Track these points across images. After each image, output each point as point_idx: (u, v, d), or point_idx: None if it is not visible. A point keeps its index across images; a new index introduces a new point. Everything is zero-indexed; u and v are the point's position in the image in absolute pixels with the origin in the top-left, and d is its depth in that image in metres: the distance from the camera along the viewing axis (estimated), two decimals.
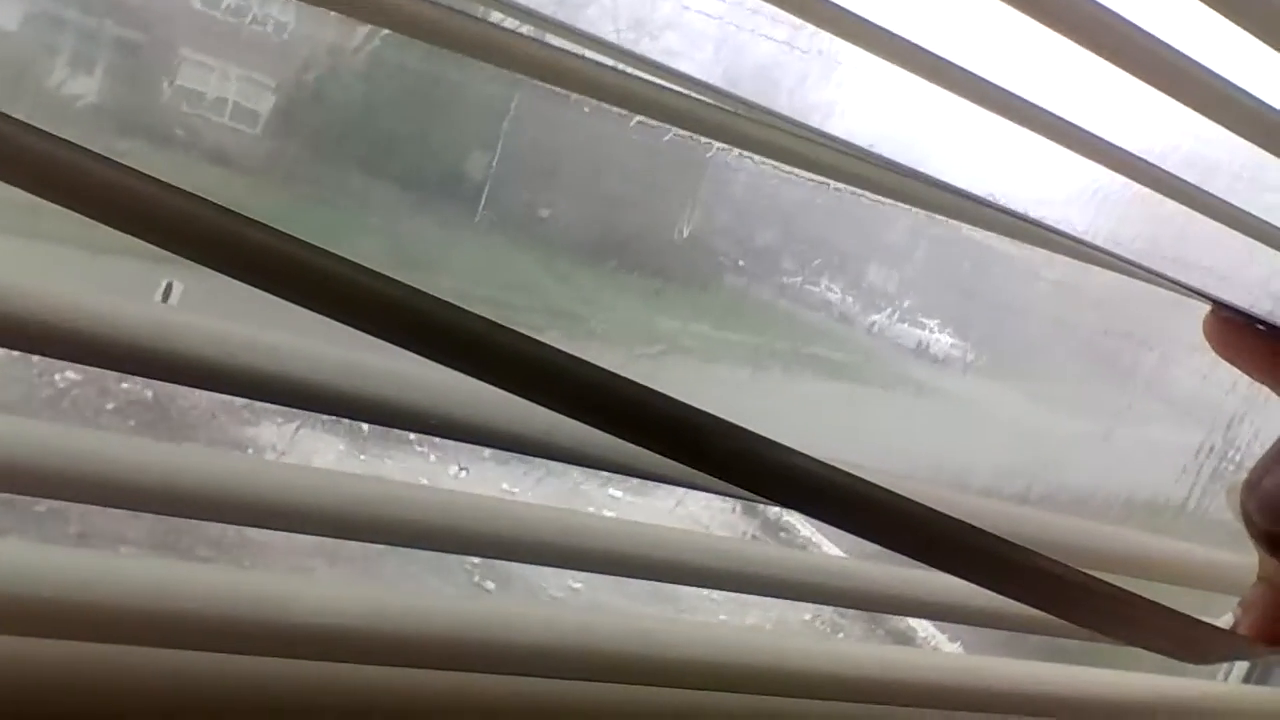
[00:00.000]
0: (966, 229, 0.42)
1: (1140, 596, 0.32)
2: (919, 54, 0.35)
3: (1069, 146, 0.38)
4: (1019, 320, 0.97)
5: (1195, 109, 0.39)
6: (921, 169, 0.39)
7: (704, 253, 0.84)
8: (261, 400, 0.29)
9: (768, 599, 0.41)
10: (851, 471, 0.30)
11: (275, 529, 0.31)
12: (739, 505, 1.01)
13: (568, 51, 0.30)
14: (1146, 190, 0.42)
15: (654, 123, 0.61)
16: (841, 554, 1.05)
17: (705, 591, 0.84)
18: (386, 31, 0.67)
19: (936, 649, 1.04)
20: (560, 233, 0.84)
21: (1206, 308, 0.40)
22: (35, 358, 0.75)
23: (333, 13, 0.31)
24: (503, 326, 0.26)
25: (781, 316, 0.89)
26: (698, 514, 1.00)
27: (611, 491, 0.92)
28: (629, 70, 0.31)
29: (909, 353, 0.88)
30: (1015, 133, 0.39)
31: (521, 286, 0.83)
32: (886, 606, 0.42)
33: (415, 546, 0.33)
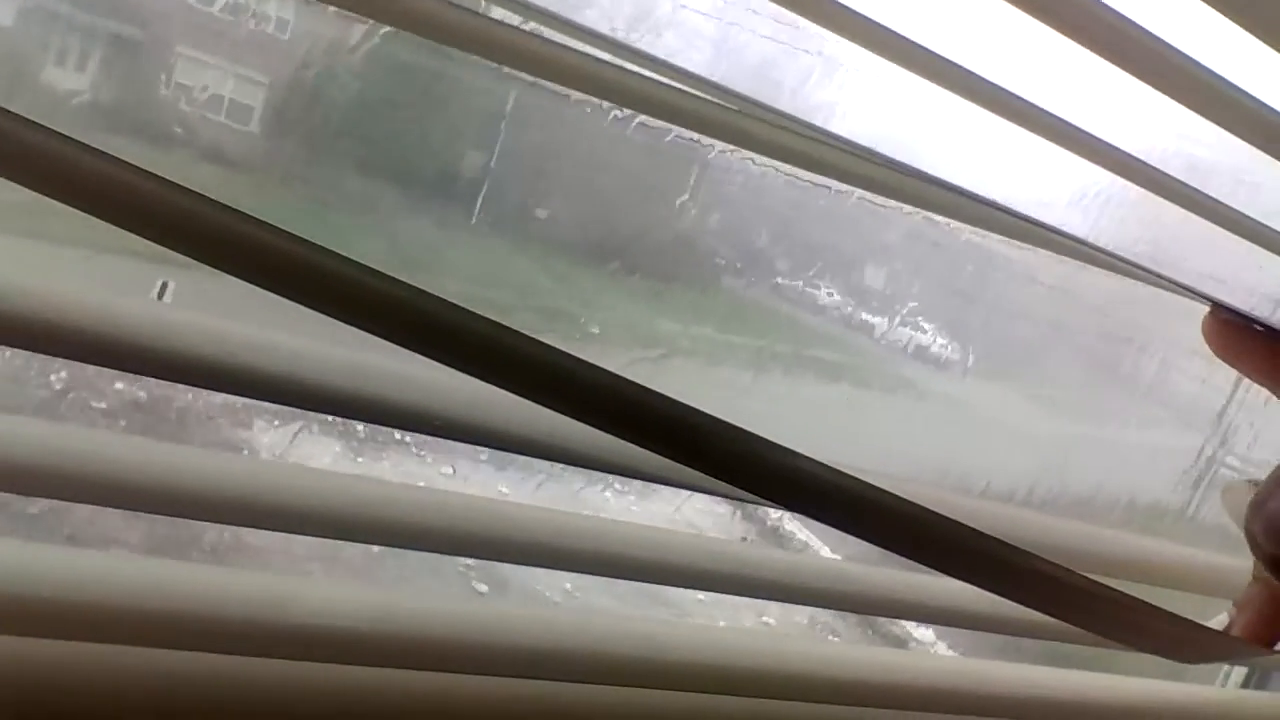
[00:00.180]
0: (968, 233, 0.42)
1: (1133, 598, 0.33)
2: (919, 53, 0.35)
3: (1070, 149, 0.38)
4: (1019, 324, 0.97)
5: (1198, 111, 0.39)
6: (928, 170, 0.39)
7: (704, 255, 0.84)
8: (261, 399, 0.29)
9: (763, 603, 0.40)
10: (850, 473, 0.29)
11: (271, 529, 0.31)
12: (738, 511, 1.01)
13: (567, 47, 0.29)
14: (1148, 193, 0.42)
15: (653, 123, 0.61)
16: (834, 556, 1.05)
17: (699, 595, 0.84)
18: (384, 30, 0.67)
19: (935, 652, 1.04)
20: (558, 234, 0.83)
21: (1205, 311, 0.39)
22: (29, 359, 0.74)
23: (331, 9, 0.30)
24: (505, 327, 0.25)
25: (783, 319, 0.89)
26: (696, 520, 1.00)
27: (610, 496, 0.92)
28: (628, 66, 0.31)
29: (909, 356, 0.88)
30: (1017, 135, 0.38)
31: (519, 287, 0.83)
32: (883, 609, 0.42)
33: (410, 547, 0.32)
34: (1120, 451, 0.92)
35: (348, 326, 0.25)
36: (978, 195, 0.38)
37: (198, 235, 0.23)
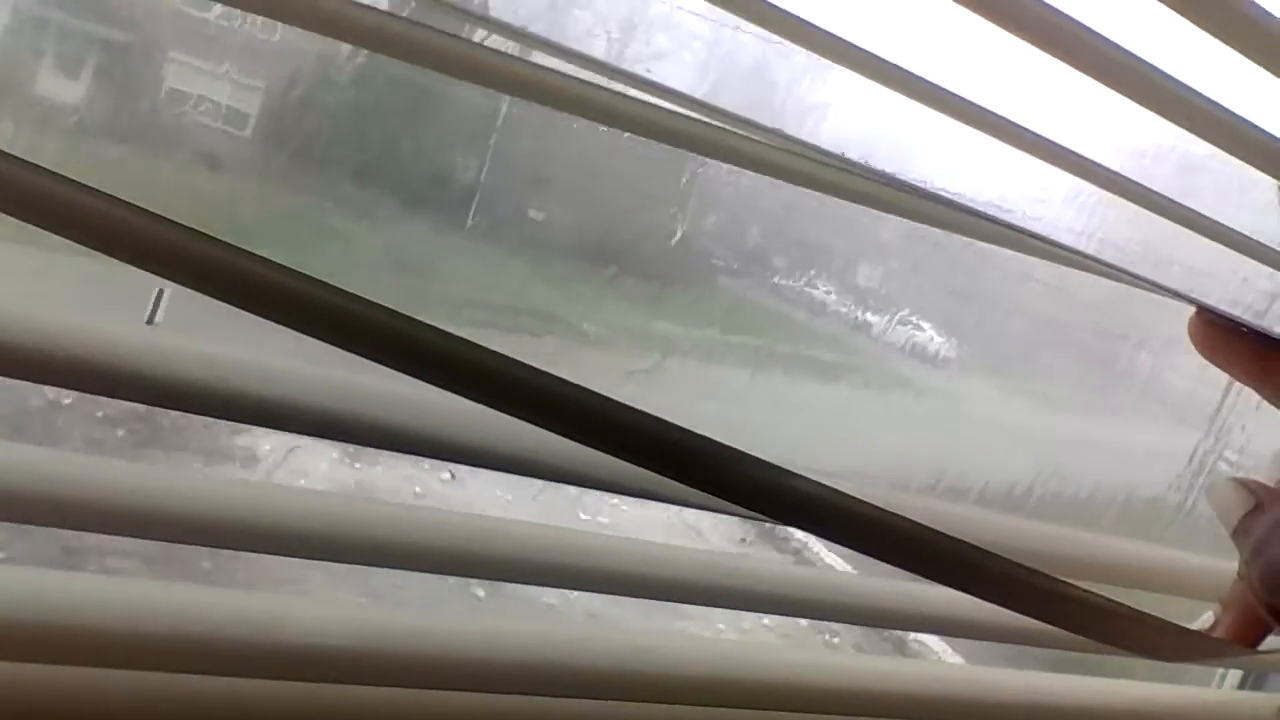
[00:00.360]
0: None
1: (1114, 601, 0.33)
2: (908, 78, 0.35)
3: (1061, 166, 0.38)
4: (1016, 322, 0.97)
5: (1188, 129, 0.39)
6: (914, 171, 0.39)
7: (699, 257, 0.84)
8: (253, 424, 0.29)
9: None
10: (838, 489, 0.30)
11: (272, 554, 0.31)
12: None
13: (554, 71, 0.29)
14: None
15: None
16: (834, 559, 1.05)
17: None
18: None
19: (938, 657, 1.04)
20: (553, 237, 0.83)
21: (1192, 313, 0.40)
22: None
23: None
24: (496, 352, 0.25)
25: (779, 319, 0.89)
26: (695, 522, 1.00)
27: (609, 501, 0.92)
28: (616, 88, 0.31)
29: (906, 354, 0.88)
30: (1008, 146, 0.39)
31: (514, 291, 0.83)
32: (883, 621, 0.42)
33: (411, 569, 0.32)
34: (1116, 448, 0.92)
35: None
36: (970, 207, 0.38)
37: (182, 264, 0.23)
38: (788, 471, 0.30)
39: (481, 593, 0.89)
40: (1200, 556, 0.45)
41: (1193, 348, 0.40)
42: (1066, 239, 0.43)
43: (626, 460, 0.28)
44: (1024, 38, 0.31)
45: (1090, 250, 0.43)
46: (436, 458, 0.30)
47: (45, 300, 0.29)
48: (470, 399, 0.26)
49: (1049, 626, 0.35)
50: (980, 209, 0.38)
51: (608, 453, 0.28)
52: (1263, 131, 0.36)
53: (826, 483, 0.31)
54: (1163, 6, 0.34)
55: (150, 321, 0.69)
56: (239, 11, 0.71)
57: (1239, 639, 0.38)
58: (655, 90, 0.30)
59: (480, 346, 0.26)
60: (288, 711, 0.31)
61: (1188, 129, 0.36)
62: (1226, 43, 0.34)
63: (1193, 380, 0.84)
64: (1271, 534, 0.33)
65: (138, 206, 0.23)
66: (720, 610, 0.94)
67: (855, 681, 0.41)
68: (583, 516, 0.90)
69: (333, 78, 0.75)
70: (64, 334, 0.27)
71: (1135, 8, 0.34)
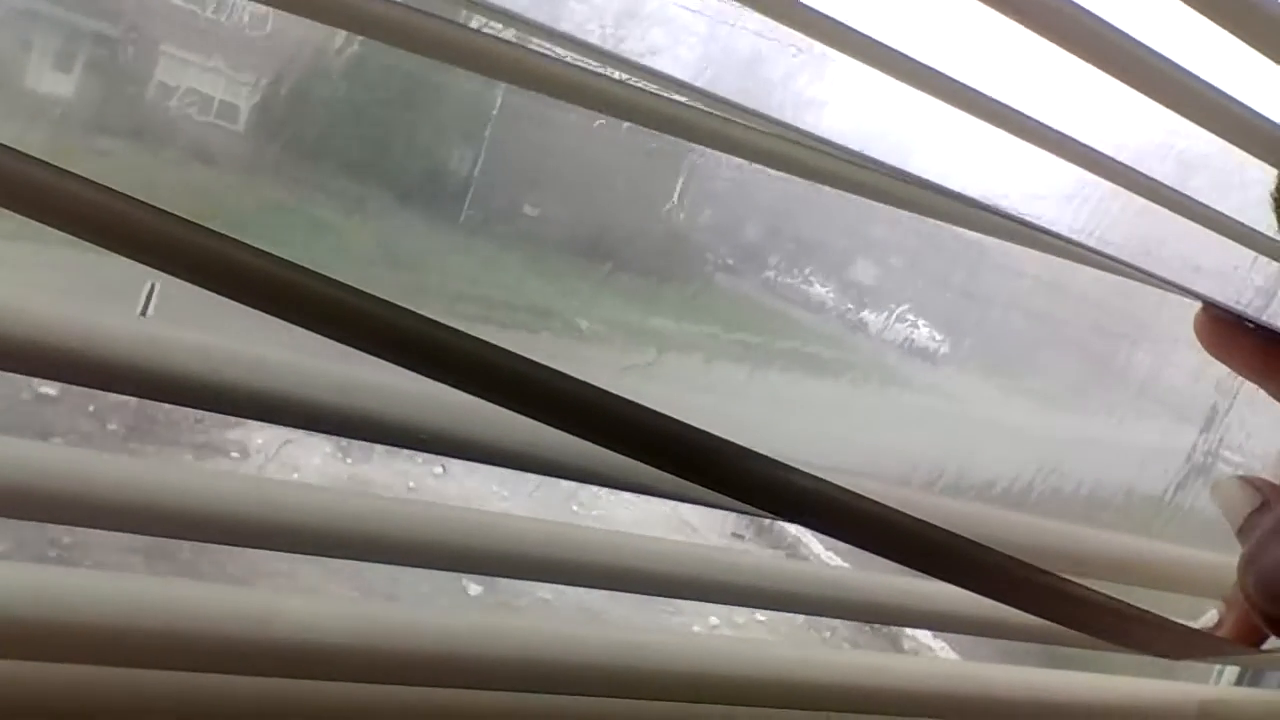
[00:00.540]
0: (962, 229, 0.42)
1: (1115, 598, 0.33)
2: (908, 63, 0.34)
3: (1061, 155, 0.38)
4: (1014, 318, 0.97)
5: (1188, 117, 0.39)
6: (913, 165, 0.39)
7: (696, 253, 0.84)
8: (248, 418, 0.29)
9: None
10: (835, 482, 0.30)
11: (261, 548, 0.30)
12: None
13: (551, 57, 0.29)
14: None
15: None
16: (829, 556, 1.05)
17: None
18: None
19: (932, 651, 1.04)
20: (548, 232, 0.83)
21: (1199, 305, 0.39)
22: None
23: None
24: (493, 344, 0.25)
25: (777, 316, 0.89)
26: (691, 517, 1.00)
27: (605, 494, 0.91)
28: (614, 75, 0.31)
29: (905, 352, 0.88)
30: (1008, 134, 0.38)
31: (508, 285, 0.82)
32: (879, 617, 0.42)
33: (405, 564, 0.32)
34: (1114, 445, 0.92)
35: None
36: (969, 198, 0.38)
37: (175, 254, 0.23)
38: (788, 466, 0.29)
39: (475, 588, 0.88)
40: (1203, 552, 0.45)
41: (1192, 345, 0.40)
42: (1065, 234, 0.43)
43: (625, 455, 0.28)
44: (1016, 19, 0.30)
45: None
46: (431, 451, 0.30)
47: (35, 294, 0.28)
48: (466, 392, 0.26)
49: (1047, 622, 0.35)
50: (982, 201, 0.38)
51: (606, 447, 0.28)
52: (1263, 119, 0.36)
53: (826, 478, 0.30)
54: None
55: (143, 316, 0.68)
56: (231, 5, 0.70)
57: (1242, 638, 0.38)
58: (652, 77, 0.30)
59: (477, 339, 0.25)
60: (280, 708, 0.31)
61: (1187, 116, 0.36)
62: (1225, 27, 0.33)
63: (1191, 378, 0.84)
64: (1265, 542, 0.33)
65: (130, 197, 0.23)
66: (714, 605, 0.94)
67: (850, 677, 0.41)
68: (575, 509, 0.90)
69: (325, 71, 0.74)
70: (56, 325, 0.26)
71: None
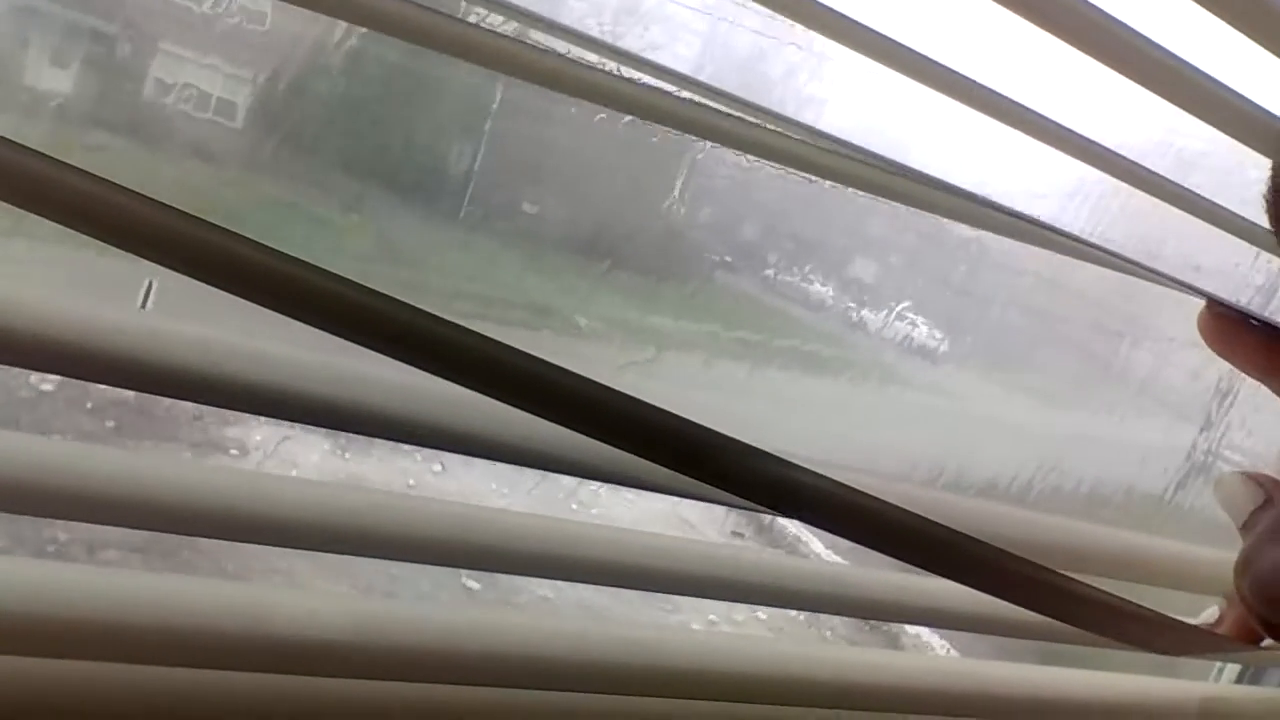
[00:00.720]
0: (962, 227, 0.42)
1: (1115, 595, 0.33)
2: (911, 56, 0.34)
3: (1061, 148, 0.37)
4: (1014, 317, 0.97)
5: (1185, 109, 0.39)
6: (912, 163, 0.39)
7: (696, 251, 0.83)
8: (247, 411, 0.28)
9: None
10: (836, 479, 0.30)
11: (259, 543, 0.30)
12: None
13: (550, 51, 0.29)
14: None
15: (642, 120, 0.60)
16: (829, 554, 1.05)
17: None
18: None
19: (931, 649, 1.04)
20: (548, 229, 0.83)
21: (1199, 303, 0.39)
22: None
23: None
24: (493, 339, 0.25)
25: (776, 314, 0.89)
26: (690, 515, 1.00)
27: (604, 492, 0.91)
28: (613, 69, 0.31)
29: (904, 351, 0.88)
30: (1010, 129, 0.38)
31: (507, 283, 0.82)
32: (878, 613, 0.42)
33: (403, 560, 0.32)
34: (1114, 443, 0.92)
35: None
36: (970, 193, 0.38)
37: (173, 247, 0.23)
38: (788, 462, 0.29)
39: (475, 585, 0.88)
40: (1204, 548, 0.45)
41: (1192, 343, 0.40)
42: None
43: (625, 450, 0.28)
44: (1010, 8, 0.30)
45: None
46: (430, 446, 0.30)
47: (33, 288, 0.28)
48: (466, 387, 0.26)
49: (1047, 618, 0.35)
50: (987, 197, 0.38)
51: (607, 442, 0.28)
52: (1262, 111, 0.36)
53: (825, 474, 0.30)
54: None
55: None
56: (228, 1, 0.70)
57: (1242, 635, 0.38)
58: (653, 70, 0.30)
59: (477, 334, 0.25)
60: (278, 705, 0.31)
61: (1185, 109, 0.35)
62: (1223, 18, 0.33)
63: (1191, 376, 0.84)
64: (1261, 544, 0.33)
65: (128, 189, 0.23)
66: (713, 603, 0.94)
67: (849, 674, 0.41)
68: (574, 507, 0.90)
69: (324, 68, 0.74)
70: (55, 318, 0.26)
71: None
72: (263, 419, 0.86)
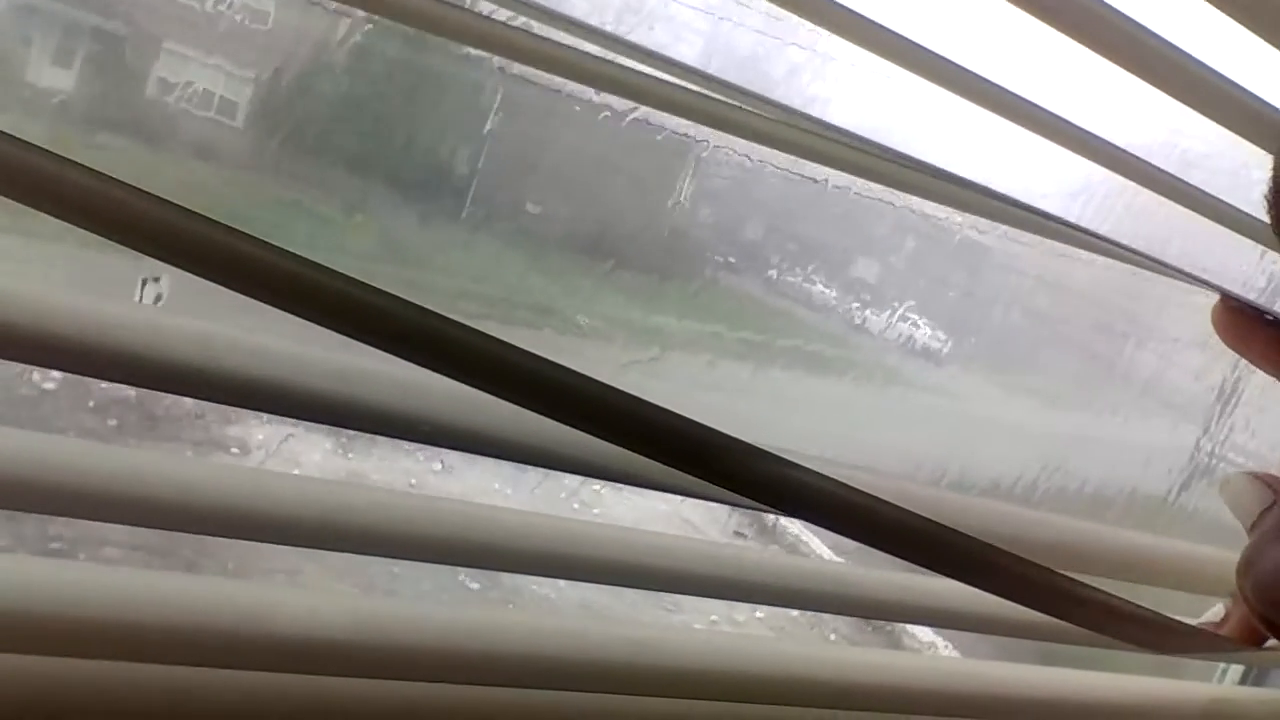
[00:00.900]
0: (966, 229, 0.42)
1: (1119, 597, 0.34)
2: (914, 50, 0.34)
3: (1068, 146, 0.37)
4: (1017, 319, 0.96)
5: (1192, 106, 0.39)
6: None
7: (699, 251, 0.83)
8: (248, 408, 0.28)
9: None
10: (838, 478, 0.30)
11: (262, 541, 0.30)
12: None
13: (555, 41, 0.29)
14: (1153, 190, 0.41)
15: (645, 119, 0.60)
16: (829, 550, 1.05)
17: None
18: (371, 25, 0.66)
19: (933, 649, 1.04)
20: (550, 229, 0.83)
21: (1201, 304, 0.39)
22: None
23: (316, 6, 0.30)
24: (499, 339, 0.25)
25: (779, 314, 0.89)
26: (692, 515, 0.99)
27: (606, 491, 0.91)
28: (616, 59, 0.31)
29: (907, 352, 0.88)
30: (1015, 128, 0.38)
31: (511, 284, 0.82)
32: (879, 613, 0.42)
33: (404, 558, 0.32)
34: (1117, 444, 0.92)
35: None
36: (981, 186, 0.37)
37: (175, 244, 0.22)
38: (791, 462, 0.29)
39: (475, 585, 0.88)
40: (1207, 548, 0.45)
41: (1196, 344, 0.40)
42: None
43: (629, 449, 0.28)
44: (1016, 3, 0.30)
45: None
46: (433, 444, 0.30)
47: (33, 283, 0.28)
48: (469, 384, 0.26)
49: (1049, 619, 0.35)
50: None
51: (613, 442, 0.27)
52: (1269, 105, 0.36)
53: (832, 475, 0.30)
54: None
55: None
56: (231, 0, 0.70)
57: (1245, 636, 0.38)
58: (658, 62, 0.30)
59: (481, 332, 0.25)
60: (280, 703, 0.31)
61: (1189, 104, 0.35)
62: (1228, 13, 0.33)
63: (1195, 377, 0.84)
64: (1263, 545, 0.32)
65: (129, 185, 0.23)
66: (714, 603, 0.94)
67: (852, 674, 0.41)
68: (576, 507, 0.90)
69: (326, 67, 0.74)
70: (56, 313, 0.26)
71: None
72: (265, 418, 0.86)
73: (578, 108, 0.63)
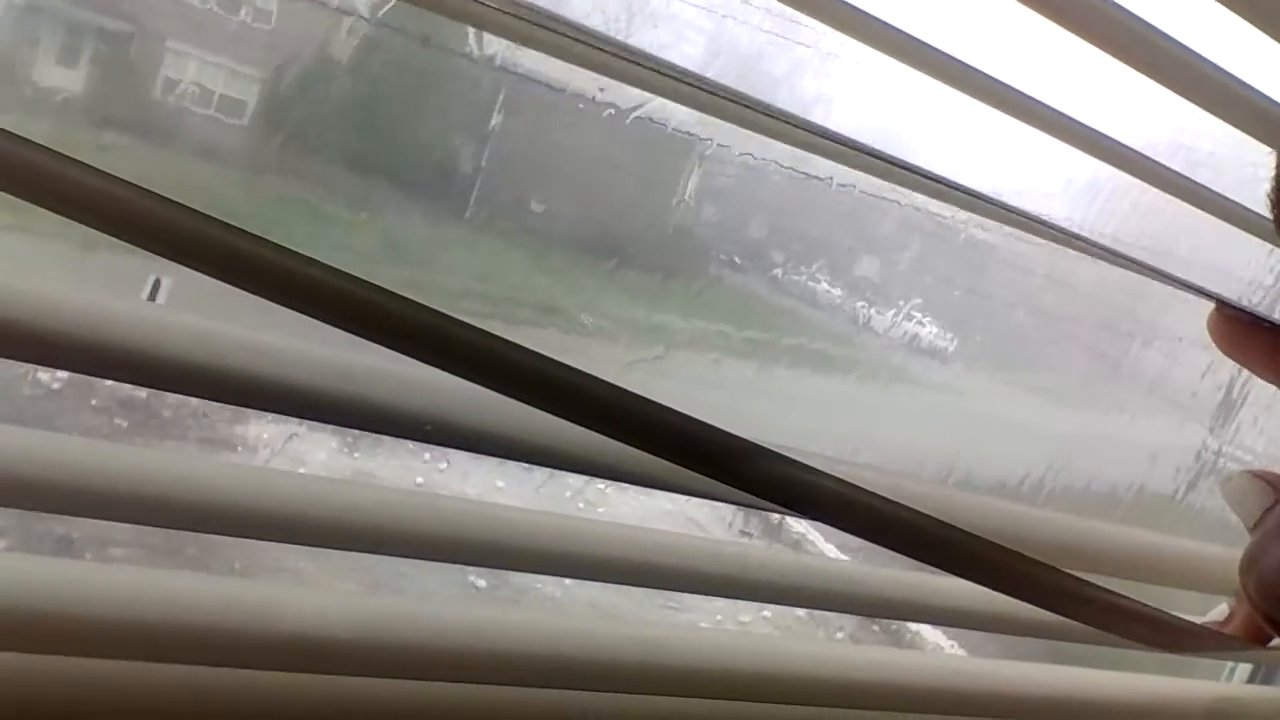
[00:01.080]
0: (970, 227, 0.42)
1: (1126, 596, 0.34)
2: (916, 46, 0.34)
3: (1071, 143, 0.37)
4: (1021, 317, 0.96)
5: (1199, 104, 0.38)
6: (920, 161, 0.39)
7: (702, 249, 0.83)
8: (253, 407, 0.28)
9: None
10: (843, 478, 0.30)
11: (268, 540, 0.30)
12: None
13: (563, 34, 0.29)
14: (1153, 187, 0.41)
15: (649, 118, 0.60)
16: (835, 548, 1.05)
17: None
18: (375, 22, 0.66)
19: (939, 647, 1.04)
20: (554, 228, 0.83)
21: (1208, 303, 0.39)
22: None
23: (320, 5, 0.30)
24: (510, 341, 0.25)
25: (783, 312, 0.89)
26: (696, 514, 0.99)
27: (611, 490, 0.91)
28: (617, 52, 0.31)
29: (912, 350, 0.88)
30: (1020, 127, 0.38)
31: (515, 283, 0.82)
32: (885, 612, 0.42)
33: (411, 557, 0.32)
34: (1123, 444, 0.92)
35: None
36: (981, 192, 0.37)
37: (179, 241, 0.22)
38: (798, 462, 0.29)
39: (482, 583, 0.88)
40: (1214, 547, 0.45)
41: (1202, 343, 0.40)
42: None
43: (637, 448, 0.28)
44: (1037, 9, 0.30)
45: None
46: (438, 444, 0.30)
47: (38, 281, 0.28)
48: (478, 383, 0.26)
49: (1055, 617, 0.35)
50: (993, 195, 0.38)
51: (618, 440, 0.27)
52: (1273, 103, 0.36)
53: (837, 473, 0.30)
54: None
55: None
56: (236, 0, 0.70)
57: (1251, 635, 0.38)
58: (657, 65, 0.30)
59: (486, 332, 0.25)
60: (287, 702, 0.31)
61: (1195, 101, 0.35)
62: (1231, 8, 0.33)
63: (1201, 375, 0.83)
64: (1266, 542, 0.32)
65: (138, 186, 0.23)
66: (720, 602, 0.94)
67: (858, 673, 0.41)
68: (581, 506, 0.90)
69: (330, 66, 0.74)
70: (61, 311, 0.26)
71: None
72: (270, 416, 0.86)
73: (581, 106, 0.63)
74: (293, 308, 0.24)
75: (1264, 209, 0.44)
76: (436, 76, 0.76)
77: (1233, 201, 0.41)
